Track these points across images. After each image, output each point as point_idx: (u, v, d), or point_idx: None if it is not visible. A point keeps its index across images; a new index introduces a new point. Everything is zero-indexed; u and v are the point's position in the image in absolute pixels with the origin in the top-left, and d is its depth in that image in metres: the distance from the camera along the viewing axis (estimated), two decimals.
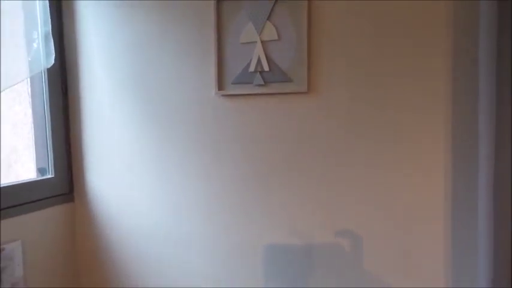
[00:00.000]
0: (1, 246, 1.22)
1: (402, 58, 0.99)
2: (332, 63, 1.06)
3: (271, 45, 1.11)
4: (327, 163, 1.09)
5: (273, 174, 1.15)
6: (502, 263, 0.88)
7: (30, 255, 1.32)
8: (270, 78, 1.12)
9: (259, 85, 1.13)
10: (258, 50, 1.12)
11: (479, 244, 0.89)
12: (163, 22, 1.23)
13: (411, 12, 0.96)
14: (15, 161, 1.64)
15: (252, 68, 1.13)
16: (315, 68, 1.07)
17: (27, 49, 1.37)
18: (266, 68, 1.12)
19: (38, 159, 1.50)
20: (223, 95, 1.18)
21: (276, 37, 1.10)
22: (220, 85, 1.17)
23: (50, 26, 1.28)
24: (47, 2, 1.31)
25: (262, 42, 1.12)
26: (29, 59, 1.37)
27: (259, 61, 1.12)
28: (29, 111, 1.52)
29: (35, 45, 1.37)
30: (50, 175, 1.42)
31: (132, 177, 1.35)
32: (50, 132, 1.41)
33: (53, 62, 1.29)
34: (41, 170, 1.46)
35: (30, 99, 1.51)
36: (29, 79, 1.43)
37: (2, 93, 1.27)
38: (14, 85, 1.33)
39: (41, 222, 1.36)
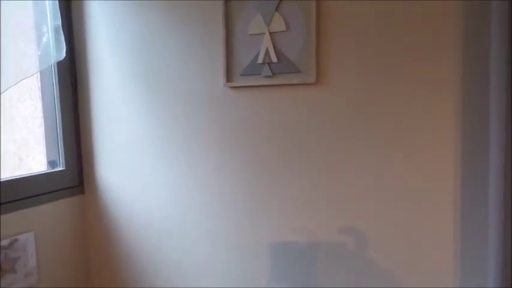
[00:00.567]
0: (15, 237, 1.24)
1: (412, 49, 0.98)
2: (341, 54, 1.06)
3: (279, 36, 1.11)
4: (334, 153, 1.09)
5: (282, 164, 1.16)
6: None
7: (42, 246, 1.34)
8: (278, 69, 1.12)
9: (268, 76, 1.13)
10: (266, 42, 1.12)
11: (489, 239, 0.89)
12: (172, 14, 1.24)
13: (423, 4, 0.96)
14: (26, 154, 1.66)
15: (260, 60, 1.14)
16: (324, 58, 1.07)
17: (37, 43, 1.38)
18: (274, 59, 1.12)
19: (48, 152, 1.52)
20: (231, 87, 1.19)
21: (284, 28, 1.10)
22: (229, 77, 1.18)
23: (60, 19, 1.29)
24: None
25: (270, 33, 1.12)
26: (39, 53, 1.38)
27: (267, 52, 1.13)
28: (39, 105, 1.54)
29: (44, 39, 1.39)
30: (60, 168, 1.44)
31: (141, 169, 1.37)
32: (60, 125, 1.43)
33: (64, 55, 1.30)
34: (51, 163, 1.48)
35: (40, 94, 1.53)
36: (38, 73, 1.45)
37: (13, 87, 1.29)
38: (24, 79, 1.35)
39: (52, 214, 1.39)
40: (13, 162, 1.70)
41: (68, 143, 1.45)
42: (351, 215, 1.09)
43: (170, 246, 1.35)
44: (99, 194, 1.46)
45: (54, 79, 1.41)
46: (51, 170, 1.43)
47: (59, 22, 1.29)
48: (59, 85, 1.41)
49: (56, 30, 1.28)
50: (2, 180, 1.28)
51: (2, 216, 1.22)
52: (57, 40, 1.29)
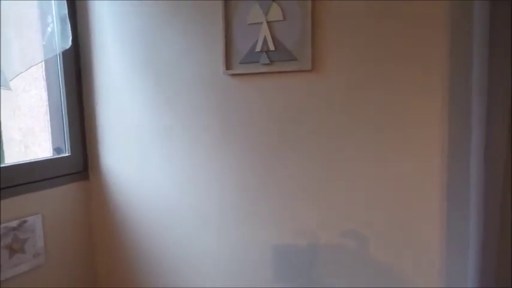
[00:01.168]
0: (23, 219, 1.30)
1: (405, 39, 1.03)
2: (336, 42, 1.11)
3: (276, 25, 1.16)
4: (329, 135, 1.14)
5: (279, 146, 1.21)
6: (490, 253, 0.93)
7: (49, 228, 1.40)
8: (276, 57, 1.17)
9: (266, 64, 1.18)
10: (264, 31, 1.17)
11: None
12: (174, 4, 1.29)
13: None
14: (32, 142, 1.71)
15: (258, 48, 1.19)
16: (319, 46, 1.12)
17: (42, 33, 1.43)
18: (272, 47, 1.17)
19: (53, 139, 1.57)
20: (231, 74, 1.24)
21: (281, 17, 1.15)
22: (228, 64, 1.23)
23: (67, 9, 1.33)
24: None
25: (268, 22, 1.17)
26: (44, 43, 1.43)
27: (265, 41, 1.18)
28: (44, 94, 1.59)
29: (49, 29, 1.43)
30: (66, 154, 1.49)
31: (143, 155, 1.42)
32: (66, 113, 1.48)
33: (70, 44, 1.34)
34: (57, 150, 1.54)
35: (44, 83, 1.57)
36: (43, 63, 1.50)
37: (18, 77, 1.33)
38: (29, 69, 1.40)
39: (58, 198, 1.44)
40: (19, 149, 1.75)
41: (73, 130, 1.50)
42: (341, 193, 1.15)
43: (171, 227, 1.41)
44: (103, 179, 1.51)
45: (60, 68, 1.45)
46: (57, 156, 1.48)
47: (66, 11, 1.34)
48: (64, 73, 1.45)
49: (62, 19, 1.33)
50: (10, 164, 1.33)
51: (10, 198, 1.28)
52: (63, 29, 1.33)
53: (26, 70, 1.31)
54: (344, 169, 1.14)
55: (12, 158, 1.59)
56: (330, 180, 1.16)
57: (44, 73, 1.55)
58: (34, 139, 1.70)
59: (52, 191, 1.42)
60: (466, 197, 1.00)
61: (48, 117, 1.58)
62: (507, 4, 0.85)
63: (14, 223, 1.27)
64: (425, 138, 1.04)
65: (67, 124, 1.48)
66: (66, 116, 1.48)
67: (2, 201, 1.25)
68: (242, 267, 1.32)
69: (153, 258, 1.47)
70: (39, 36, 1.43)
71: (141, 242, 1.48)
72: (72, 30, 1.38)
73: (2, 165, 1.30)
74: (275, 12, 1.16)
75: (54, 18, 1.37)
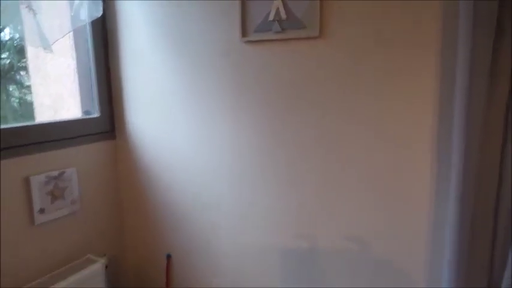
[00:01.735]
0: (62, 170, 1.47)
1: (407, 7, 1.15)
2: (342, 11, 1.23)
3: None
4: (334, 96, 1.29)
5: (288, 106, 1.35)
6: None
7: (83, 180, 1.58)
8: (287, 25, 1.31)
9: (278, 32, 1.32)
10: (277, 1, 1.30)
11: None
12: None
13: None
14: (61, 107, 1.87)
15: (271, 17, 1.32)
16: (327, 15, 1.25)
17: (70, 4, 1.56)
18: (284, 16, 1.30)
19: (83, 103, 1.72)
20: (246, 41, 1.38)
21: None
22: (244, 32, 1.36)
23: None
24: None
25: None
26: (72, 14, 1.56)
27: (277, 10, 1.31)
28: (72, 62, 1.74)
29: (77, 1, 1.56)
30: (95, 115, 1.65)
31: (166, 116, 1.58)
32: (95, 77, 1.63)
33: (101, 12, 1.48)
34: (86, 113, 1.69)
35: (73, 51, 1.72)
36: (72, 32, 1.64)
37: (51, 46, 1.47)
38: (59, 39, 1.54)
39: (89, 154, 1.61)
40: (49, 114, 1.91)
41: (101, 94, 1.66)
42: (343, 152, 1.30)
43: (192, 181, 1.58)
44: (128, 138, 1.68)
45: (89, 36, 1.59)
46: (88, 116, 1.64)
47: None
48: (93, 41, 1.60)
49: None
50: (47, 121, 1.50)
51: (50, 152, 1.45)
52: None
53: (62, 37, 1.45)
54: (346, 129, 1.29)
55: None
56: (334, 141, 1.31)
57: (72, 42, 1.69)
58: (63, 104, 1.86)
59: (84, 147, 1.58)
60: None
61: (76, 83, 1.73)
62: None
63: (55, 173, 1.44)
64: (419, 100, 1.18)
65: (96, 88, 1.64)
66: (96, 80, 1.63)
67: (43, 154, 1.43)
68: (251, 221, 1.49)
69: (174, 208, 1.65)
70: (67, 7, 1.57)
71: (163, 194, 1.65)
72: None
73: (41, 122, 1.46)
74: None
75: None
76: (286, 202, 1.42)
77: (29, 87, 1.86)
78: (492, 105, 0.97)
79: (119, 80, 1.66)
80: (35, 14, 1.36)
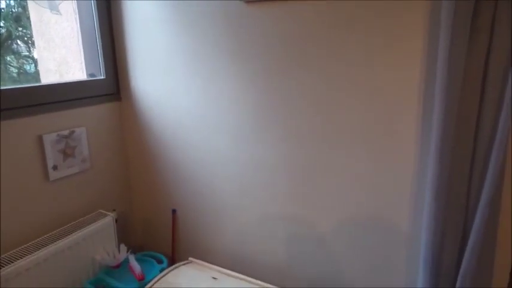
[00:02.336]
0: (72, 129, 1.56)
1: None
2: None
3: None
4: (330, 59, 1.35)
5: (289, 63, 1.40)
6: None
7: (92, 140, 1.66)
8: None
9: None
10: None
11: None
12: None
13: None
14: (66, 71, 1.93)
15: None
16: None
17: None
18: None
19: (87, 66, 1.78)
20: (247, 1, 1.42)
21: None
22: None
23: None
24: None
25: None
26: None
27: None
28: (76, 25, 1.78)
29: None
30: (101, 77, 1.72)
31: (169, 79, 1.64)
32: (100, 40, 1.68)
33: None
34: (91, 75, 1.76)
35: (76, 15, 1.75)
36: None
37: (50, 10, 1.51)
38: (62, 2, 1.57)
39: (97, 115, 1.69)
40: (54, 78, 1.97)
41: (106, 56, 1.71)
42: (342, 103, 1.38)
43: (195, 139, 1.67)
44: (133, 100, 1.75)
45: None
46: (94, 78, 1.71)
47: None
48: (97, 3, 1.63)
49: None
50: (55, 82, 1.56)
51: (59, 112, 1.53)
52: None
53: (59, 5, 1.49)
54: (339, 83, 1.36)
55: None
56: (330, 94, 1.39)
57: (75, 5, 1.73)
58: (68, 68, 1.91)
59: (91, 109, 1.66)
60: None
61: (80, 46, 1.78)
62: None
63: (66, 132, 1.53)
64: (407, 53, 1.24)
65: (101, 50, 1.69)
66: (100, 43, 1.68)
67: (53, 114, 1.51)
68: (255, 173, 1.60)
69: (178, 165, 1.75)
70: None
71: (168, 152, 1.75)
72: None
73: (49, 83, 1.53)
74: None
75: None
76: (290, 158, 1.50)
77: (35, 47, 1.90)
78: (471, 63, 1.04)
79: (122, 42, 1.71)
80: None
